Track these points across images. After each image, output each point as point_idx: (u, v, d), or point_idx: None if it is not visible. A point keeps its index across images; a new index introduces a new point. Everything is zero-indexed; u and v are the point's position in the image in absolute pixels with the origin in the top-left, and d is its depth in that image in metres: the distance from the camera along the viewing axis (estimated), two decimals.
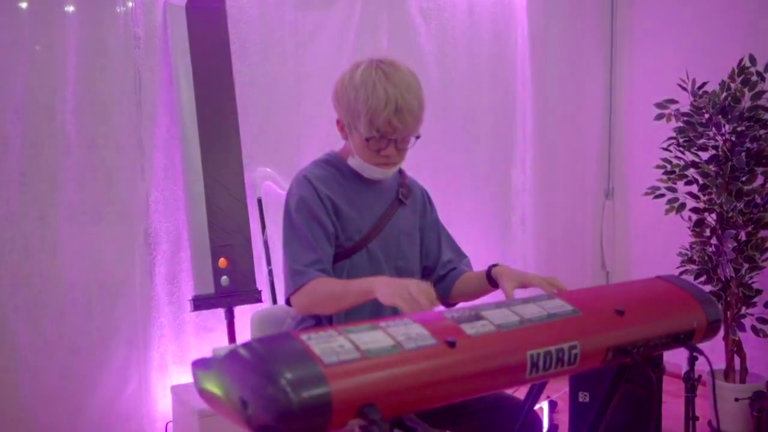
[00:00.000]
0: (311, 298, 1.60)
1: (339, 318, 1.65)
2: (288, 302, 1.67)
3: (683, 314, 1.50)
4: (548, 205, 4.00)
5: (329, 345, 1.08)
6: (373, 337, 1.13)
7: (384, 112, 1.56)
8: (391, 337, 1.14)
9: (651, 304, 1.48)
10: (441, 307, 1.48)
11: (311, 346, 1.07)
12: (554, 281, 1.57)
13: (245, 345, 1.08)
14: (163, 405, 2.87)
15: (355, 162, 1.69)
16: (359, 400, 1.04)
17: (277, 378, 1.00)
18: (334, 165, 1.74)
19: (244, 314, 2.92)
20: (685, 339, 1.47)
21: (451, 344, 1.16)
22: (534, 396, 1.52)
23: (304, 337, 1.10)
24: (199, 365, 1.18)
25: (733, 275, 2.93)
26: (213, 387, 1.13)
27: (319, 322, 1.69)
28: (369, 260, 1.70)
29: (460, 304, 1.83)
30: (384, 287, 1.44)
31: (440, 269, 1.86)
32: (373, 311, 1.64)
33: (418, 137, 1.67)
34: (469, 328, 1.22)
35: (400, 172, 1.85)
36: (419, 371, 1.12)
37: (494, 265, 1.72)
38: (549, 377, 1.30)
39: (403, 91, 1.58)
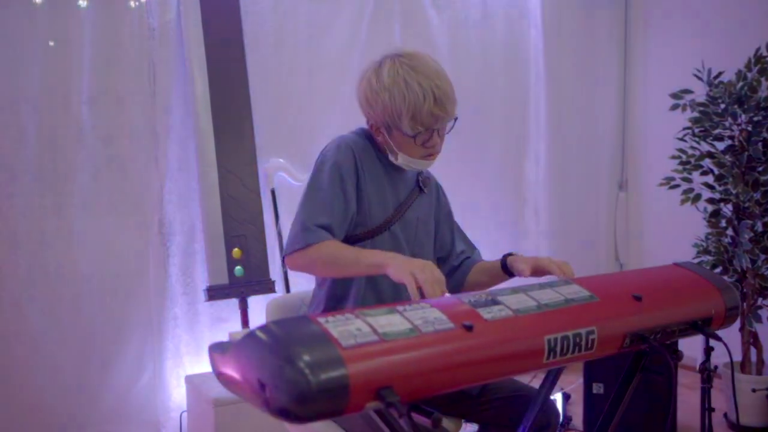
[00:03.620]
0: (314, 257, 1.53)
1: (357, 301, 1.64)
2: (284, 259, 1.61)
3: (701, 300, 1.49)
4: (561, 197, 3.98)
5: (347, 328, 1.08)
6: (390, 321, 1.13)
7: (425, 106, 1.55)
8: (409, 320, 1.14)
9: (669, 291, 1.47)
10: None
11: (329, 329, 1.07)
12: (566, 267, 1.57)
13: (263, 328, 1.08)
14: (177, 395, 2.89)
15: (402, 160, 1.66)
16: (377, 383, 1.03)
17: (295, 360, 1.00)
18: (370, 143, 1.71)
19: (258, 304, 2.93)
20: (703, 325, 1.46)
21: (469, 328, 1.16)
22: (550, 383, 1.51)
23: (321, 320, 1.09)
24: (217, 349, 1.18)
25: (750, 266, 2.91)
26: (230, 370, 1.13)
27: (334, 309, 1.68)
28: (391, 242, 1.68)
29: None
30: (397, 263, 1.42)
31: (454, 260, 1.85)
32: (392, 294, 1.64)
33: (455, 119, 1.66)
34: (486, 313, 1.22)
35: None
36: (436, 354, 1.12)
37: (509, 255, 1.72)
38: (566, 363, 1.29)
39: (434, 78, 1.57)
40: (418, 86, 1.55)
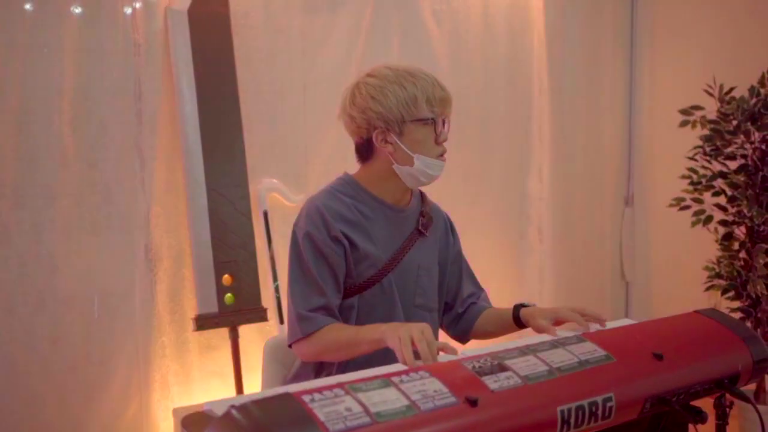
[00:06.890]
0: (319, 346, 1.50)
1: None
2: (290, 346, 1.55)
3: (727, 355, 1.37)
4: (566, 214, 3.86)
5: (335, 408, 0.96)
6: (384, 397, 1.01)
7: (436, 90, 1.56)
8: (405, 395, 1.02)
9: (691, 346, 1.35)
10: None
11: (314, 410, 0.95)
12: (587, 311, 1.46)
13: (241, 408, 0.96)
14: (165, 428, 2.75)
15: (418, 165, 1.54)
16: None
17: None
18: (349, 194, 1.60)
19: (250, 332, 2.81)
20: (730, 384, 1.33)
21: (473, 402, 1.03)
22: None
23: (306, 398, 0.97)
24: (190, 426, 1.05)
25: (765, 291, 2.78)
26: None
27: None
28: (382, 296, 1.57)
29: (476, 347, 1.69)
30: (391, 332, 1.33)
31: (459, 306, 1.73)
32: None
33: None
34: (493, 382, 1.09)
35: (423, 198, 1.72)
36: None
37: (521, 306, 1.58)
38: None
39: (428, 72, 1.60)
40: (422, 74, 1.56)
